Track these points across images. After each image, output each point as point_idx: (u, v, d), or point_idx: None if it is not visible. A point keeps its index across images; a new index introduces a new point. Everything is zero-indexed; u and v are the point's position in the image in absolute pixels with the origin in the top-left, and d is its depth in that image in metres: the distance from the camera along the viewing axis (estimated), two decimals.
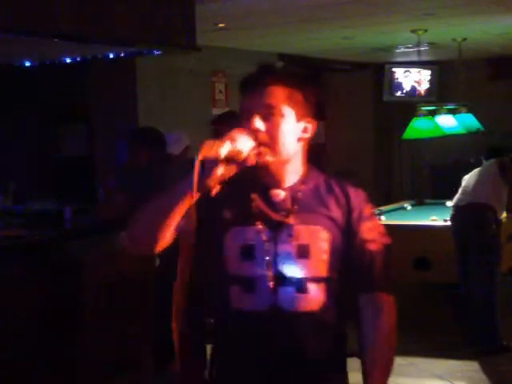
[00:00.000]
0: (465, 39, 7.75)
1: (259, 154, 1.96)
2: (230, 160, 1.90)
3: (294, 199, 2.03)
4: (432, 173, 10.05)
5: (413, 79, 8.92)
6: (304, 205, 2.03)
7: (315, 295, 2.01)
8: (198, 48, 5.37)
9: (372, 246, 2.05)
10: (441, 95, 8.82)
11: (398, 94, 8.96)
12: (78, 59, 5.60)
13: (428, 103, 7.94)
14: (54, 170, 7.55)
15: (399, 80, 8.95)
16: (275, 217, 2.01)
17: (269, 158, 1.99)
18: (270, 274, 1.99)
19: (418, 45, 7.50)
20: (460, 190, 5.60)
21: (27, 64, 5.90)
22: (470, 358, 5.17)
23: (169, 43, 5.14)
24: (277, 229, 2.01)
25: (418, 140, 8.07)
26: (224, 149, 1.87)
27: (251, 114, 1.98)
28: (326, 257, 2.01)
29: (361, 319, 2.07)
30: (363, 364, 2.06)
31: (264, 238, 2.00)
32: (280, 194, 2.04)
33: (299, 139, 2.04)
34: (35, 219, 4.91)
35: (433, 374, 4.92)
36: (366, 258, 2.05)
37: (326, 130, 9.55)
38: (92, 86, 7.07)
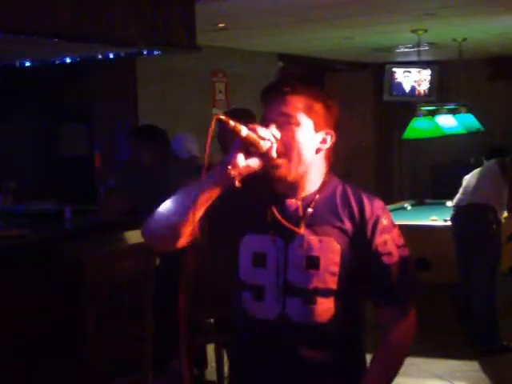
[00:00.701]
0: (465, 39, 7.74)
1: (275, 167, 1.96)
2: (249, 145, 1.89)
3: (308, 210, 2.02)
4: (432, 173, 10.05)
5: (413, 79, 8.92)
6: (317, 216, 2.01)
7: (323, 307, 1.99)
8: (198, 48, 5.36)
9: (388, 260, 2.02)
10: (441, 95, 8.81)
11: (398, 94, 8.96)
12: (78, 59, 5.60)
13: (428, 103, 7.94)
14: (54, 170, 7.54)
15: (399, 80, 8.95)
16: (288, 226, 2.01)
17: (283, 168, 1.97)
18: (279, 283, 1.99)
19: (418, 45, 7.50)
20: (460, 190, 5.60)
21: (27, 64, 5.89)
22: (469, 358, 5.17)
23: (169, 43, 5.14)
24: (289, 239, 2.00)
25: (417, 140, 8.06)
26: (244, 129, 1.87)
27: (268, 123, 1.97)
28: (336, 269, 1.99)
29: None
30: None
31: (276, 247, 2.00)
32: (294, 204, 2.03)
33: (317, 150, 2.03)
34: (35, 219, 4.90)
35: (433, 373, 4.92)
36: (381, 271, 2.02)
37: None
38: (92, 86, 7.07)
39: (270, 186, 2.04)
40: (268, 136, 1.92)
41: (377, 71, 9.61)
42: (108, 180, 5.36)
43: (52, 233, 4.42)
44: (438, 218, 6.08)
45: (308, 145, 2.00)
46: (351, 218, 2.02)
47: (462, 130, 7.52)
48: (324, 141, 2.04)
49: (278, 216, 2.02)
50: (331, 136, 2.05)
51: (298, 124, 1.98)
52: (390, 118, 10.12)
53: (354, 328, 2.08)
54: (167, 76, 7.28)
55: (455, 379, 4.84)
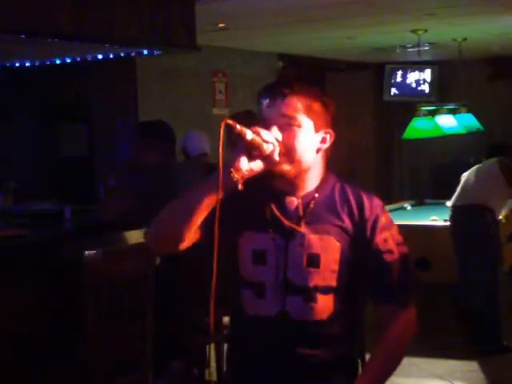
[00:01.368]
0: (465, 39, 7.74)
1: (276, 163, 1.96)
2: (252, 148, 1.90)
3: (308, 208, 2.03)
4: (432, 173, 10.05)
5: (413, 79, 8.92)
6: (317, 214, 2.02)
7: (323, 305, 2.00)
8: (198, 48, 5.36)
9: (388, 257, 2.03)
10: (441, 95, 8.81)
11: (398, 94, 8.95)
12: (78, 59, 5.60)
13: (428, 103, 7.95)
14: (54, 170, 7.54)
15: (399, 80, 8.95)
16: (288, 224, 2.02)
17: (285, 167, 1.98)
18: (279, 281, 2.00)
19: (418, 45, 7.50)
20: (458, 189, 5.57)
21: (27, 64, 5.89)
22: (469, 358, 5.17)
23: (169, 43, 5.14)
24: (289, 237, 2.01)
25: (418, 140, 8.06)
26: (249, 132, 1.88)
27: (269, 125, 1.97)
28: (336, 267, 2.00)
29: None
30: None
31: (275, 244, 2.01)
32: (294, 202, 2.04)
33: (318, 149, 2.04)
34: (35, 219, 4.90)
35: (433, 373, 4.92)
36: (382, 269, 2.03)
37: None
38: (92, 86, 7.07)
39: (269, 183, 2.05)
40: (271, 139, 1.93)
41: (377, 71, 9.61)
42: (108, 180, 5.35)
43: (52, 233, 4.41)
44: (438, 217, 6.08)
45: (309, 146, 2.02)
46: (350, 215, 2.03)
47: (462, 130, 7.52)
48: (324, 140, 2.05)
49: (278, 214, 2.02)
50: (330, 135, 2.06)
51: (299, 125, 1.99)
52: (390, 118, 10.12)
53: (353, 325, 2.09)
54: (167, 76, 7.28)
55: (455, 379, 4.84)
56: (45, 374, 3.79)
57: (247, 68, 8.17)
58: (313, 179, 2.06)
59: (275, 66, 8.42)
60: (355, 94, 10.02)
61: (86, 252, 3.54)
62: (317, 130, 2.02)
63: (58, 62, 5.69)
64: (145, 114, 6.86)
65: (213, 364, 4.56)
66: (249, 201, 2.03)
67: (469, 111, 7.60)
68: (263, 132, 1.92)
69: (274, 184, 2.05)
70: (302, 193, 2.04)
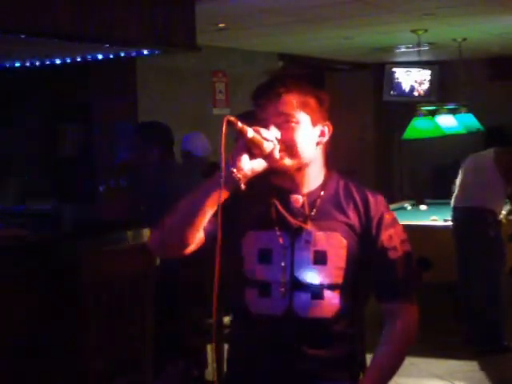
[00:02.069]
0: (465, 39, 7.74)
1: (277, 158, 1.97)
2: (253, 147, 1.90)
3: (313, 205, 2.03)
4: (432, 173, 10.04)
5: (413, 79, 8.92)
6: (322, 211, 2.03)
7: (330, 302, 2.01)
8: (198, 48, 5.36)
9: (392, 254, 2.04)
10: (441, 95, 8.81)
11: (398, 94, 8.95)
12: (78, 59, 5.59)
13: (428, 103, 7.94)
14: (54, 169, 7.54)
15: (399, 80, 8.94)
16: (293, 222, 2.02)
17: (287, 162, 1.99)
18: (286, 279, 2.00)
19: (418, 45, 7.50)
20: (458, 189, 5.54)
21: (27, 64, 5.89)
22: (469, 358, 5.17)
23: (169, 43, 5.13)
24: (295, 234, 2.01)
25: (417, 140, 8.05)
26: (250, 130, 1.88)
27: (267, 124, 1.98)
28: (343, 264, 2.01)
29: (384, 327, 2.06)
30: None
31: (282, 243, 2.01)
32: (299, 200, 2.05)
33: (317, 143, 2.06)
34: (35, 219, 4.90)
35: (433, 373, 4.92)
36: (386, 266, 2.04)
37: None
38: (92, 86, 7.06)
39: (272, 181, 2.05)
40: (271, 137, 1.93)
41: (377, 71, 9.61)
42: (108, 180, 5.35)
43: (52, 233, 4.42)
44: (438, 217, 6.08)
45: (308, 140, 2.03)
46: (356, 212, 2.04)
47: (462, 130, 7.51)
48: (322, 133, 2.07)
49: (283, 212, 2.02)
50: (328, 128, 2.08)
51: (297, 122, 2.00)
52: (390, 118, 10.11)
53: (357, 323, 2.09)
54: (167, 76, 7.28)
55: (455, 379, 4.84)
56: (45, 375, 3.80)
57: (247, 68, 8.17)
58: (315, 175, 2.07)
59: (275, 66, 8.41)
60: (355, 94, 10.02)
61: (86, 252, 3.54)
62: (314, 124, 2.04)
63: (58, 61, 5.69)
64: (145, 114, 6.85)
65: (213, 364, 4.56)
66: (252, 200, 2.04)
67: (469, 111, 7.60)
68: (263, 130, 1.92)
69: (276, 182, 2.06)
70: (306, 190, 2.05)
